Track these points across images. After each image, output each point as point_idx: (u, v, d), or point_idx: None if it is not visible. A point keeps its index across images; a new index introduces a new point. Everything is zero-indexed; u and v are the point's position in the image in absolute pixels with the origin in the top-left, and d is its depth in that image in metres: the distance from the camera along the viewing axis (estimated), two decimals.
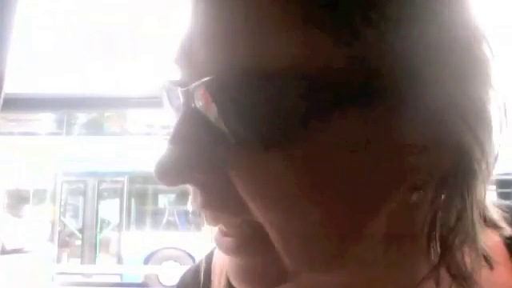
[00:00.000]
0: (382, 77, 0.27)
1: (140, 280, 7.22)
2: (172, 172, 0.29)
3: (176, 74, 0.33)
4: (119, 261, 7.33)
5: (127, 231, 7.42)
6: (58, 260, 7.24)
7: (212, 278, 0.44)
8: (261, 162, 0.27)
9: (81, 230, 7.47)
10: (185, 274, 0.49)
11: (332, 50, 0.26)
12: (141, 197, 7.73)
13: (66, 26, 7.81)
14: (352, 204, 0.28)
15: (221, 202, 0.29)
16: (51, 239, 7.43)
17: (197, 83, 0.28)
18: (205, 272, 0.45)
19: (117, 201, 7.59)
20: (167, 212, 7.65)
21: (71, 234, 7.49)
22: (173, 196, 7.88)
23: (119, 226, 7.47)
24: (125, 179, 7.49)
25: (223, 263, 0.42)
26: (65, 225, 7.50)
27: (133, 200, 7.62)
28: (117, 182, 7.56)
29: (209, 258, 0.46)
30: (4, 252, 9.06)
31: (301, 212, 0.28)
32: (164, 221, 7.57)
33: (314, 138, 0.27)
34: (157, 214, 7.68)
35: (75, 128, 8.02)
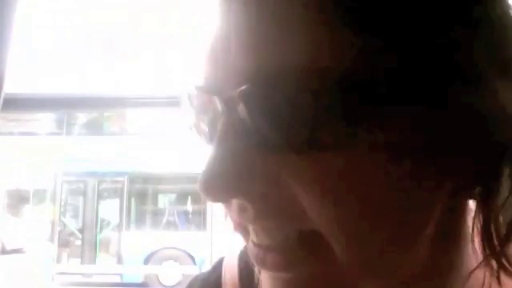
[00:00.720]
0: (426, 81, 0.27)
1: (140, 280, 7.22)
2: (223, 186, 0.27)
3: (198, 77, 0.31)
4: (119, 261, 7.33)
5: (127, 231, 7.42)
6: (58, 260, 7.24)
7: None
8: (319, 168, 0.27)
9: (81, 230, 7.47)
10: (192, 284, 0.47)
11: (375, 54, 0.26)
12: (141, 197, 7.73)
13: (66, 26, 7.80)
14: (407, 210, 0.28)
15: (278, 211, 0.28)
16: (51, 239, 7.42)
17: (240, 90, 0.27)
18: (214, 284, 0.44)
19: (117, 201, 7.58)
20: (167, 212, 7.65)
21: (71, 234, 7.49)
22: (173, 196, 7.88)
23: (119, 226, 7.47)
24: (125, 179, 7.49)
25: (234, 276, 0.41)
26: (65, 225, 7.50)
27: (133, 200, 7.62)
28: (117, 181, 7.56)
29: (217, 269, 0.45)
30: (4, 252, 9.06)
31: (365, 217, 0.27)
32: (164, 221, 7.56)
33: (367, 141, 0.27)
34: (157, 214, 7.68)
35: (75, 128, 8.02)
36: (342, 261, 0.27)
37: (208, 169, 0.27)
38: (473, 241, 0.32)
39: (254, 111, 0.27)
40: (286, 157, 0.27)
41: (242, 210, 0.29)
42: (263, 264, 0.29)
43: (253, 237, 0.30)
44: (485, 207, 0.29)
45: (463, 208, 0.32)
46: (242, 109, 0.27)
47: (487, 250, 0.30)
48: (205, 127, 0.32)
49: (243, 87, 0.27)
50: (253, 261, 0.30)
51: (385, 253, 0.28)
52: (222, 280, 0.43)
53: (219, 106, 0.28)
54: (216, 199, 0.27)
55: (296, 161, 0.27)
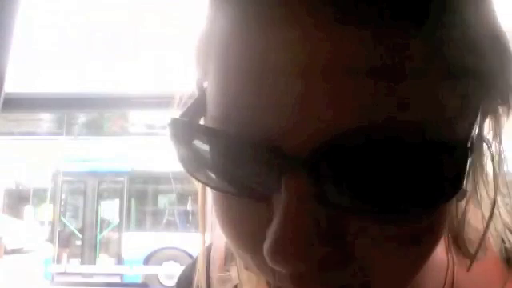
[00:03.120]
0: None
1: (140, 280, 7.23)
2: (294, 253, 0.25)
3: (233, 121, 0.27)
4: (119, 261, 7.33)
5: (127, 231, 7.42)
6: (58, 260, 7.24)
7: (211, 273, 0.44)
8: (396, 230, 0.26)
9: (81, 230, 7.47)
10: (184, 272, 0.49)
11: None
12: (141, 197, 7.73)
13: (67, 26, 7.80)
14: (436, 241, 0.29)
15: (341, 270, 0.27)
16: (51, 239, 7.43)
17: (326, 147, 0.24)
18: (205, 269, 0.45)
19: (117, 201, 7.59)
20: (167, 212, 7.65)
21: (71, 234, 7.49)
22: (173, 196, 7.88)
23: (119, 226, 7.47)
24: (125, 179, 7.49)
25: (222, 256, 0.42)
26: (65, 225, 7.50)
27: (133, 200, 7.62)
28: (117, 181, 7.56)
29: (206, 255, 0.46)
30: (4, 252, 9.06)
31: (417, 266, 0.28)
32: (164, 221, 7.57)
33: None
34: (157, 214, 7.68)
35: (75, 128, 8.02)
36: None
37: (279, 235, 0.25)
38: None
39: (339, 174, 0.25)
40: (362, 220, 0.26)
41: (300, 276, 0.27)
42: None
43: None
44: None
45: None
46: (322, 170, 0.24)
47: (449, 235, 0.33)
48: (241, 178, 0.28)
49: (330, 143, 0.24)
50: None
51: (413, 276, 0.30)
52: (211, 260, 0.44)
53: (285, 163, 0.25)
54: (285, 265, 0.25)
55: (373, 222, 0.26)
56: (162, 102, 1.12)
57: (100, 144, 8.12)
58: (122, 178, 7.49)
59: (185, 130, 0.29)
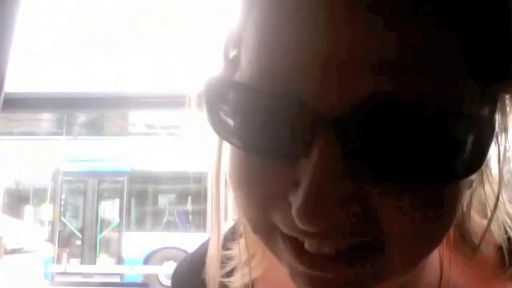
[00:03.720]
0: None
1: (140, 280, 7.23)
2: (326, 212, 0.26)
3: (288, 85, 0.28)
4: (119, 261, 7.33)
5: (127, 231, 7.43)
6: (58, 260, 7.24)
7: (208, 266, 0.44)
8: (417, 196, 0.27)
9: (81, 230, 7.47)
10: (179, 265, 0.50)
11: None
12: (141, 197, 7.73)
13: (67, 27, 7.80)
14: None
15: (362, 231, 0.28)
16: (51, 239, 7.43)
17: (360, 113, 0.26)
18: (201, 257, 0.45)
19: (117, 201, 7.59)
20: (167, 212, 7.66)
21: (71, 234, 7.49)
22: (173, 196, 7.88)
23: (119, 226, 7.47)
24: (125, 179, 7.49)
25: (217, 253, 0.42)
26: (65, 225, 7.50)
27: (133, 200, 7.62)
28: (117, 181, 7.56)
29: (203, 246, 0.46)
30: (4, 252, 9.06)
31: (434, 230, 0.29)
32: (164, 221, 7.57)
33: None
34: (157, 214, 7.69)
35: (75, 128, 8.02)
36: (390, 263, 0.29)
37: (312, 193, 0.26)
38: None
39: (370, 140, 0.26)
40: (388, 186, 0.27)
41: (324, 233, 0.28)
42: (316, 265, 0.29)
43: (309, 246, 0.29)
44: None
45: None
46: (353, 134, 0.26)
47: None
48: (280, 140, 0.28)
49: (364, 110, 0.26)
50: (298, 265, 0.29)
51: (423, 258, 0.31)
52: (209, 252, 0.44)
53: (317, 125, 0.26)
54: (316, 223, 0.26)
55: (398, 189, 0.27)
56: (162, 102, 1.12)
57: (100, 144, 8.11)
58: (121, 178, 7.49)
59: (221, 88, 0.30)
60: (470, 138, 0.26)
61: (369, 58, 0.25)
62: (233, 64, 0.33)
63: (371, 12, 0.25)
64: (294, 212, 0.26)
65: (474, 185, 0.33)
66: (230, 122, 0.30)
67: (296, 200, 0.26)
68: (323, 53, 0.26)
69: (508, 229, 0.36)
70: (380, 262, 0.29)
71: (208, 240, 0.46)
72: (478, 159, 0.27)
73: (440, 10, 0.26)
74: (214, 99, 0.30)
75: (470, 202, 0.34)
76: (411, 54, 0.25)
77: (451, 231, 0.34)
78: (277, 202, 0.28)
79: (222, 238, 0.41)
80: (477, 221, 0.35)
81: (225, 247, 0.42)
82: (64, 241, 7.39)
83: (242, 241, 0.41)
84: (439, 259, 0.37)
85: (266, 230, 0.31)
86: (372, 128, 0.26)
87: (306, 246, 0.29)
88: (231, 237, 0.43)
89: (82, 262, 7.33)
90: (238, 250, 0.41)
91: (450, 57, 0.26)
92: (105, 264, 7.35)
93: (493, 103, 0.29)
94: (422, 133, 0.25)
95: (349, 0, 0.26)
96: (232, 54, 0.33)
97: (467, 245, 0.36)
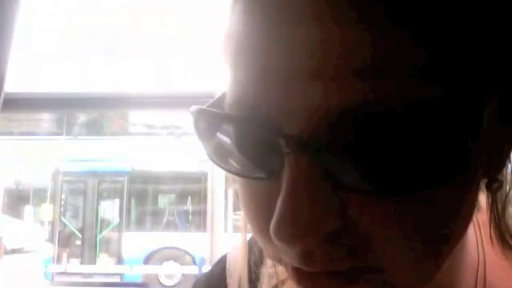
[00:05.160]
0: None
1: (140, 280, 7.23)
2: (299, 232, 0.25)
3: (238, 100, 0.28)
4: (119, 261, 7.34)
5: (127, 231, 7.43)
6: (58, 260, 7.24)
7: (228, 281, 0.43)
8: (399, 209, 0.26)
9: (81, 230, 7.48)
10: (197, 281, 0.48)
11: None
12: (141, 197, 7.73)
13: (67, 27, 7.80)
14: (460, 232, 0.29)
15: (346, 250, 0.27)
16: (51, 239, 7.43)
17: (327, 128, 0.25)
18: (219, 277, 0.44)
19: (117, 201, 7.59)
20: (167, 212, 7.66)
21: (71, 234, 7.49)
22: (173, 196, 7.89)
23: (119, 226, 7.47)
24: (125, 179, 7.50)
25: (242, 268, 0.41)
26: (65, 225, 7.50)
27: (133, 200, 7.62)
28: (117, 181, 7.56)
29: (221, 263, 0.45)
30: (4, 252, 9.06)
31: (429, 247, 0.28)
32: (164, 221, 7.57)
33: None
34: (157, 214, 7.69)
35: (75, 128, 8.02)
36: (394, 282, 0.28)
37: (282, 213, 0.25)
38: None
39: (345, 155, 0.25)
40: (369, 199, 0.26)
41: (307, 254, 0.27)
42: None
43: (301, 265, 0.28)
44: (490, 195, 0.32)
45: None
46: (327, 150, 0.25)
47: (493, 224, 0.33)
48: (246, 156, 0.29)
49: (333, 123, 0.25)
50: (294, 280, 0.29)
51: (436, 272, 0.29)
52: (227, 272, 0.44)
53: (285, 143, 0.25)
54: (290, 243, 0.25)
55: (377, 202, 0.26)
56: (162, 102, 1.12)
57: (100, 144, 8.12)
58: (122, 178, 7.49)
59: (203, 117, 0.31)
60: (446, 142, 0.25)
61: (347, 65, 0.24)
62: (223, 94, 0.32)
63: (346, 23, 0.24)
64: (270, 231, 0.26)
65: (508, 185, 0.31)
66: (218, 148, 0.30)
67: (272, 220, 0.26)
68: (290, 62, 0.25)
69: None
70: (384, 280, 0.27)
71: (224, 257, 0.45)
72: (460, 162, 0.25)
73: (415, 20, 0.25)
74: (201, 128, 0.31)
75: (505, 202, 0.32)
76: (384, 59, 0.24)
77: (493, 232, 0.33)
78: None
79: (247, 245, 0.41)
80: None
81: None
82: (64, 241, 7.39)
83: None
84: (477, 263, 0.35)
85: (276, 257, 0.30)
86: (337, 143, 0.25)
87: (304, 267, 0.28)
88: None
89: (82, 262, 7.33)
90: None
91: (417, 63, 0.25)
92: (105, 264, 7.35)
93: (476, 108, 0.27)
94: (396, 140, 0.24)
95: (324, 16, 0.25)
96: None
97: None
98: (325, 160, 0.25)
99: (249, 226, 0.31)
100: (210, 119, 0.30)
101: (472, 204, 0.29)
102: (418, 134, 0.24)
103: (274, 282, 0.41)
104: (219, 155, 0.31)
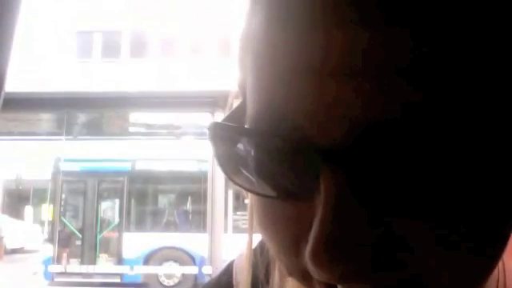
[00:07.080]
0: None
1: (140, 280, 7.23)
2: (340, 255, 0.23)
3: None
4: (119, 261, 7.34)
5: (127, 231, 7.43)
6: (58, 260, 7.24)
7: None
8: None
9: (81, 230, 7.48)
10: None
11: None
12: (141, 197, 7.74)
13: (67, 26, 7.81)
14: None
15: (390, 264, 0.25)
16: (51, 239, 7.43)
17: (357, 142, 0.23)
18: (226, 285, 0.43)
19: (117, 201, 7.59)
20: (167, 212, 7.66)
21: (71, 234, 7.50)
22: (173, 196, 7.89)
23: (119, 226, 7.48)
24: (125, 179, 7.50)
25: (247, 275, 0.40)
26: (65, 225, 7.51)
27: (133, 200, 7.63)
28: (117, 181, 7.57)
29: (228, 271, 0.44)
30: (4, 252, 9.07)
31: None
32: (164, 221, 7.58)
33: None
34: (157, 214, 7.69)
35: (75, 128, 8.02)
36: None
37: (322, 236, 0.23)
38: None
39: (375, 167, 0.23)
40: (410, 219, 0.24)
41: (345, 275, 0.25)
42: None
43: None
44: None
45: None
46: (367, 165, 0.23)
47: None
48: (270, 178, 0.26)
49: (375, 134, 0.23)
50: None
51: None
52: (234, 281, 0.43)
53: (320, 157, 0.23)
54: (331, 268, 0.23)
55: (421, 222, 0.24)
56: (162, 102, 1.12)
57: (100, 144, 8.12)
58: (121, 178, 7.50)
59: (222, 132, 0.28)
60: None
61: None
62: (241, 104, 0.31)
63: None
64: (306, 257, 0.24)
65: None
66: (237, 165, 0.28)
67: (308, 243, 0.24)
68: (327, 62, 0.23)
69: None
70: None
71: (231, 266, 0.45)
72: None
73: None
74: (219, 142, 0.28)
75: None
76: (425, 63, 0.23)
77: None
78: (304, 244, 0.25)
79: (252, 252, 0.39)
80: None
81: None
82: (64, 241, 7.39)
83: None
84: (497, 273, 0.34)
85: (302, 276, 0.28)
86: (376, 158, 0.23)
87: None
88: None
89: (81, 262, 7.33)
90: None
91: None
92: (105, 264, 7.35)
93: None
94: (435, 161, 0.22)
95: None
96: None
97: None
98: (361, 175, 0.23)
99: (273, 247, 0.29)
100: (229, 135, 0.28)
101: None
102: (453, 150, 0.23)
103: None
104: (237, 172, 0.28)
